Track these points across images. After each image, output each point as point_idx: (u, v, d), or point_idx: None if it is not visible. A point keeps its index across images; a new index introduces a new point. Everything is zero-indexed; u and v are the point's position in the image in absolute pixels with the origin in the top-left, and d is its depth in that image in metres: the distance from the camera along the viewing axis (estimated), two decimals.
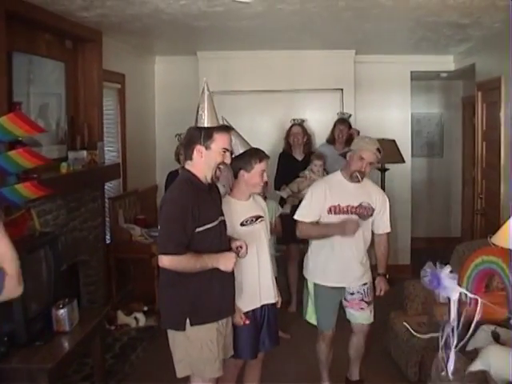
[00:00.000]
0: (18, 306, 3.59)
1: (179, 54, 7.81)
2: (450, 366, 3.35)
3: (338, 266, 4.30)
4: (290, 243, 6.57)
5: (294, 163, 6.73)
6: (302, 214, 4.29)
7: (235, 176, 3.81)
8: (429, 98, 9.86)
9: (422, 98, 9.64)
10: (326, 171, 6.04)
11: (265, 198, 4.23)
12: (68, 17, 5.09)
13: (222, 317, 3.51)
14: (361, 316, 4.45)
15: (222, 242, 3.50)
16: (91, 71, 5.84)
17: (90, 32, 5.66)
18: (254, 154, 3.76)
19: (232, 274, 3.50)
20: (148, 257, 6.17)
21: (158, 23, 5.52)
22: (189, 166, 3.44)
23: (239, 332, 3.74)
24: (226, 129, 3.48)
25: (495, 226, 3.59)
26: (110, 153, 6.59)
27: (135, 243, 6.33)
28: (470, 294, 3.45)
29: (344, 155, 4.44)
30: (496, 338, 3.45)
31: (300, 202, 6.14)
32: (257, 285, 3.81)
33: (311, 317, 4.49)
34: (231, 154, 3.50)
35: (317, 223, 4.29)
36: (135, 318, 5.98)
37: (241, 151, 3.73)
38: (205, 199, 3.41)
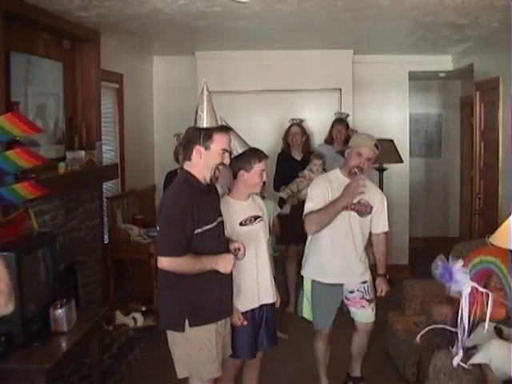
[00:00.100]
0: (16, 306, 3.58)
1: (177, 54, 7.80)
2: (457, 360, 3.36)
3: (338, 263, 4.30)
4: (289, 243, 6.57)
5: (292, 163, 6.73)
6: (309, 207, 4.28)
7: (234, 176, 3.81)
8: (427, 97, 9.86)
9: (420, 98, 9.65)
10: (325, 171, 6.04)
11: (262, 198, 4.22)
12: (66, 17, 5.08)
13: (221, 317, 3.50)
14: (362, 314, 4.45)
15: (221, 243, 3.50)
16: (89, 71, 5.84)
17: (88, 32, 5.66)
18: (253, 154, 3.76)
19: (230, 274, 3.50)
20: (146, 257, 6.17)
21: (156, 23, 5.52)
22: (187, 166, 3.43)
23: (238, 332, 3.74)
24: (226, 129, 3.47)
25: (493, 226, 3.61)
26: (108, 153, 6.58)
27: (133, 243, 6.33)
28: (481, 289, 3.45)
29: (342, 153, 4.46)
30: (499, 333, 3.44)
31: (299, 202, 6.21)
32: (255, 285, 3.81)
33: (306, 313, 4.49)
34: (230, 154, 3.50)
35: None
36: (133, 318, 5.97)
37: (239, 151, 3.73)
38: (204, 200, 3.40)
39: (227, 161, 3.44)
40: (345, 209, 4.24)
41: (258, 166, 3.74)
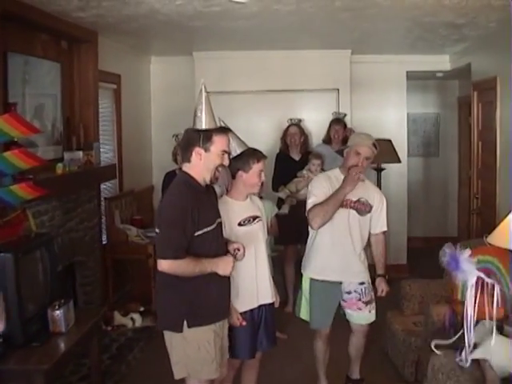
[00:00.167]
0: (14, 307, 3.59)
1: (175, 55, 7.81)
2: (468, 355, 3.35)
3: (337, 261, 4.30)
4: (287, 244, 6.58)
5: (291, 163, 6.74)
6: (311, 202, 4.27)
7: (233, 176, 3.81)
8: (425, 97, 9.88)
9: (418, 98, 9.66)
10: (324, 171, 6.04)
11: (260, 198, 4.23)
12: (64, 17, 5.08)
13: (220, 318, 3.50)
14: (358, 316, 4.45)
15: (219, 244, 3.50)
16: (87, 72, 5.83)
17: (86, 32, 5.66)
18: (251, 155, 3.77)
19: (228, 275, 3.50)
20: (144, 257, 6.17)
21: (154, 23, 5.52)
22: (186, 168, 3.42)
23: (237, 332, 3.74)
24: (225, 131, 3.47)
25: (491, 225, 3.61)
26: (106, 153, 6.58)
27: (131, 244, 6.33)
28: (487, 279, 3.44)
29: (341, 152, 4.48)
30: (500, 330, 3.44)
31: (298, 202, 6.21)
32: (254, 285, 3.82)
33: (303, 313, 4.49)
34: (229, 155, 3.50)
35: None
36: (132, 319, 5.98)
37: (238, 152, 3.74)
38: (203, 202, 3.40)
39: (227, 162, 3.45)
40: (344, 207, 4.25)
41: (256, 167, 3.75)
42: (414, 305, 5.23)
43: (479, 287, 4.00)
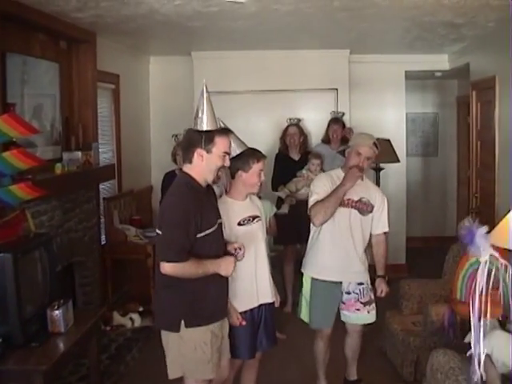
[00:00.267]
0: (14, 307, 3.59)
1: (174, 55, 7.81)
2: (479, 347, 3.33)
3: (338, 260, 4.31)
4: (287, 243, 6.59)
5: (290, 163, 6.74)
6: (313, 200, 4.29)
7: (232, 176, 3.82)
8: (423, 97, 9.88)
9: (417, 98, 9.66)
10: (323, 171, 6.05)
11: (259, 198, 4.23)
12: (62, 17, 5.08)
13: (217, 319, 3.50)
14: (357, 317, 4.46)
15: (220, 245, 3.52)
16: (85, 72, 5.83)
17: (85, 33, 5.65)
18: (251, 155, 3.78)
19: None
20: (143, 257, 6.17)
21: (153, 24, 5.52)
22: (187, 168, 3.42)
23: (237, 332, 3.75)
24: (226, 132, 3.47)
25: (490, 225, 3.60)
26: (105, 153, 6.58)
27: (130, 244, 6.32)
28: (501, 259, 3.43)
29: (343, 153, 4.49)
30: (502, 325, 3.44)
31: (298, 201, 6.21)
32: (254, 284, 3.83)
33: (304, 314, 4.50)
34: (229, 156, 3.50)
35: None
36: (131, 319, 5.97)
37: (238, 152, 3.74)
38: (204, 203, 3.40)
39: (228, 163, 3.46)
40: (346, 206, 4.26)
41: (256, 167, 3.76)
42: (413, 304, 5.24)
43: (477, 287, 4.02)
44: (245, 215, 3.81)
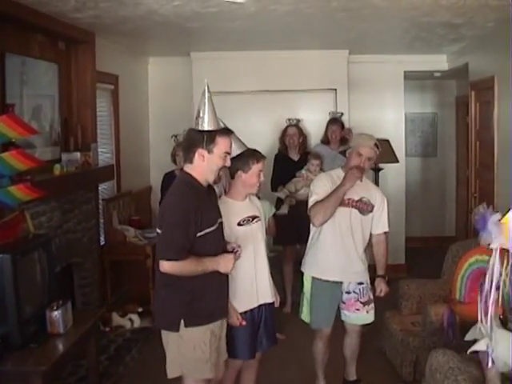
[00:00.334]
0: (12, 308, 3.58)
1: (173, 55, 7.81)
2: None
3: (339, 260, 4.32)
4: (286, 244, 6.59)
5: (289, 164, 6.74)
6: (314, 200, 4.29)
7: (232, 177, 3.82)
8: (422, 97, 9.88)
9: (416, 98, 9.67)
10: (323, 171, 6.04)
11: (258, 198, 4.23)
12: (61, 18, 5.07)
13: (217, 318, 3.51)
14: (356, 317, 4.46)
15: (221, 244, 3.53)
16: (84, 72, 5.83)
17: (83, 33, 5.65)
18: (251, 155, 3.79)
19: (227, 275, 3.51)
20: (142, 258, 6.16)
21: (151, 24, 5.52)
22: (188, 168, 3.42)
23: (237, 332, 3.75)
24: (228, 132, 3.47)
25: None
26: (104, 154, 6.57)
27: (129, 244, 6.32)
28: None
29: (344, 153, 4.51)
30: (504, 324, 3.44)
31: (297, 202, 6.21)
32: (254, 284, 3.83)
33: (304, 315, 4.50)
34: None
35: None
36: (130, 320, 5.97)
37: (238, 152, 3.74)
38: (205, 202, 3.41)
39: (229, 163, 3.47)
40: (347, 206, 4.27)
41: (255, 167, 3.76)
42: (412, 305, 5.24)
43: (478, 284, 4.02)
44: (244, 215, 3.81)
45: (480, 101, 6.80)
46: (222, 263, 3.38)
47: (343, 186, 4.18)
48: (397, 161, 7.49)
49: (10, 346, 3.57)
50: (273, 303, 4.00)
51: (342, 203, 4.25)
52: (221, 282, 3.50)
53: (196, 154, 3.36)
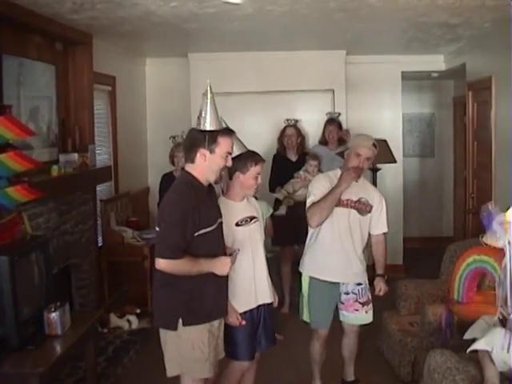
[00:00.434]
0: (10, 309, 3.58)
1: (170, 56, 7.81)
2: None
3: (337, 261, 4.31)
4: (284, 244, 6.59)
5: (288, 164, 6.74)
6: (310, 201, 4.30)
7: (230, 177, 3.82)
8: (420, 97, 9.89)
9: (413, 98, 9.68)
10: (321, 172, 6.04)
11: (255, 199, 4.24)
12: (58, 19, 5.07)
13: (215, 318, 3.51)
14: (355, 317, 4.46)
15: (220, 244, 3.52)
16: (82, 74, 5.83)
17: (81, 34, 5.65)
18: (250, 157, 3.78)
19: (226, 275, 3.51)
20: (140, 259, 6.16)
21: (149, 25, 5.52)
22: (189, 168, 3.43)
23: (237, 333, 3.76)
24: (229, 133, 3.48)
25: None
26: (102, 155, 6.57)
27: (127, 246, 6.31)
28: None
29: (342, 154, 4.50)
30: (503, 323, 3.45)
31: (295, 203, 6.21)
32: (252, 285, 3.83)
33: (305, 315, 4.50)
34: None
35: None
36: (128, 321, 5.97)
37: (237, 153, 3.74)
38: (205, 202, 3.41)
39: (230, 163, 3.47)
40: (345, 206, 4.27)
41: (253, 169, 3.76)
42: (410, 305, 5.23)
43: (476, 284, 4.03)
44: (242, 216, 3.81)
45: (477, 101, 6.80)
46: (219, 266, 3.38)
47: (339, 188, 4.18)
48: (394, 161, 7.50)
49: (8, 347, 3.57)
50: (271, 303, 4.00)
51: (340, 204, 4.26)
52: (219, 282, 3.49)
53: (198, 154, 3.37)
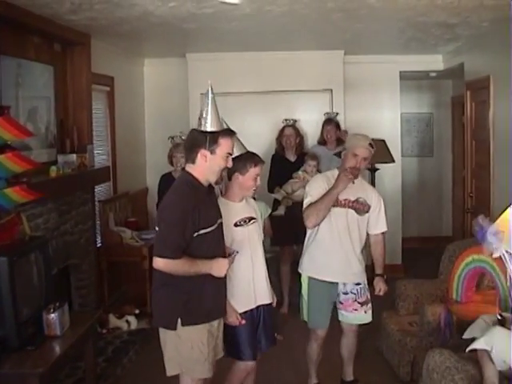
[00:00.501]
0: (9, 310, 3.58)
1: (168, 56, 7.80)
2: None
3: (336, 261, 4.32)
4: (283, 245, 6.59)
5: (286, 165, 6.73)
6: (307, 202, 4.30)
7: (229, 178, 3.83)
8: (418, 97, 9.89)
9: (412, 98, 9.68)
10: (320, 172, 6.04)
11: (253, 199, 4.24)
12: (56, 20, 5.07)
13: (214, 318, 3.51)
14: (354, 317, 4.46)
15: (220, 245, 3.53)
16: (80, 74, 5.82)
17: (79, 35, 5.65)
18: (249, 158, 3.79)
19: (225, 276, 3.51)
20: (139, 259, 6.16)
21: (147, 26, 5.51)
22: (190, 168, 3.43)
23: (239, 333, 3.76)
24: (230, 133, 3.48)
25: None
26: (100, 156, 6.57)
27: (126, 246, 6.32)
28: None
29: (339, 155, 4.50)
30: (502, 323, 3.45)
31: (294, 203, 6.21)
32: (251, 286, 3.83)
33: (306, 315, 4.50)
34: None
35: None
36: (127, 321, 5.96)
37: (236, 154, 3.74)
38: (205, 202, 3.41)
39: (230, 164, 3.47)
40: (343, 206, 4.27)
41: (253, 171, 3.76)
42: (409, 305, 5.23)
43: (475, 284, 4.04)
44: (241, 216, 3.81)
45: (476, 100, 6.81)
46: (215, 267, 3.38)
47: (335, 189, 4.18)
48: (393, 161, 7.50)
49: (7, 348, 3.58)
50: (271, 304, 4.00)
51: (338, 204, 4.26)
52: (218, 282, 3.49)
53: (198, 155, 3.37)
